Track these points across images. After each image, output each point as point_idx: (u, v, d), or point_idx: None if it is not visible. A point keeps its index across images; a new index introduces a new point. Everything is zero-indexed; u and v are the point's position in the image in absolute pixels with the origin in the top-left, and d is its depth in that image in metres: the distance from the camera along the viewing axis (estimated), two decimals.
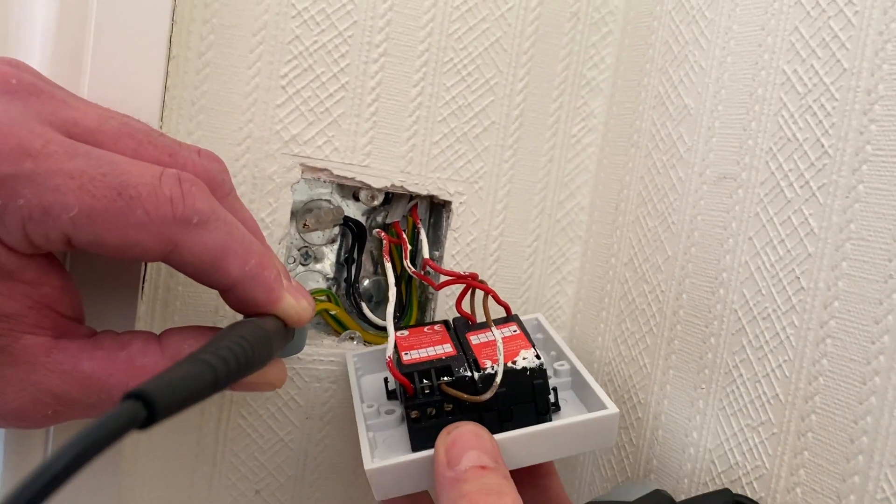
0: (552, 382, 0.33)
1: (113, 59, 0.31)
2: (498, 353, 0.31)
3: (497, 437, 0.29)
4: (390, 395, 0.35)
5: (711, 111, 0.34)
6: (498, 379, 0.30)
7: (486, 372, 0.31)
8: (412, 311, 0.40)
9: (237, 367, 0.23)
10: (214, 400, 0.37)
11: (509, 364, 0.31)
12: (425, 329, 0.35)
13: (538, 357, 0.31)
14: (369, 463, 0.29)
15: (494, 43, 0.39)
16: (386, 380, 0.35)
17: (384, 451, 0.31)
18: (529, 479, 0.33)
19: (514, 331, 0.33)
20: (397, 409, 0.33)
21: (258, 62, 0.35)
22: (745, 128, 0.32)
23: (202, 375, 0.21)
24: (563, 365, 0.34)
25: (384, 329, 0.38)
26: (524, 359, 0.31)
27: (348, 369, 0.36)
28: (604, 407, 0.31)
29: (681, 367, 0.35)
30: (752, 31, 0.33)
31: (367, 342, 0.39)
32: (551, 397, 0.31)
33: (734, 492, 0.31)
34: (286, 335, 0.29)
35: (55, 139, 0.23)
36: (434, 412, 0.30)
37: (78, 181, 0.22)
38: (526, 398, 0.31)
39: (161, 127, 0.33)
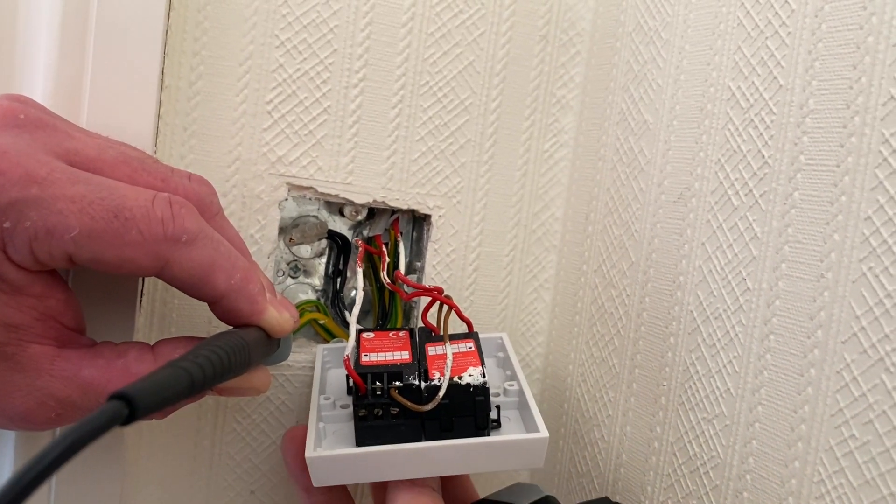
0: (500, 400, 0.35)
1: (109, 90, 0.33)
2: (446, 368, 0.33)
3: (433, 444, 0.32)
4: (350, 390, 0.37)
5: (668, 126, 0.37)
6: (441, 392, 0.32)
7: (432, 383, 0.33)
8: (396, 319, 0.43)
9: (213, 372, 0.25)
10: (211, 406, 0.39)
11: (455, 379, 0.33)
12: (390, 334, 0.37)
13: (483, 376, 0.33)
14: (311, 451, 0.31)
15: (468, 66, 0.42)
16: (348, 376, 0.37)
17: (331, 442, 0.34)
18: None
19: (470, 347, 0.36)
20: (352, 405, 0.36)
21: (245, 90, 0.38)
22: (696, 141, 0.35)
23: (179, 379, 0.23)
24: (512, 385, 0.36)
25: None
26: (470, 375, 0.33)
27: (315, 361, 0.38)
28: (536, 430, 0.33)
29: (645, 367, 0.37)
30: (702, 50, 0.35)
31: None
32: (493, 414, 0.34)
33: (613, 500, 0.33)
34: (270, 344, 0.31)
35: (58, 167, 0.25)
36: (380, 413, 0.33)
37: (79, 205, 0.25)
38: (467, 412, 0.33)
39: (155, 152, 0.36)
